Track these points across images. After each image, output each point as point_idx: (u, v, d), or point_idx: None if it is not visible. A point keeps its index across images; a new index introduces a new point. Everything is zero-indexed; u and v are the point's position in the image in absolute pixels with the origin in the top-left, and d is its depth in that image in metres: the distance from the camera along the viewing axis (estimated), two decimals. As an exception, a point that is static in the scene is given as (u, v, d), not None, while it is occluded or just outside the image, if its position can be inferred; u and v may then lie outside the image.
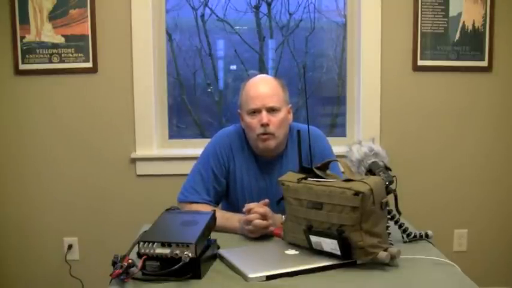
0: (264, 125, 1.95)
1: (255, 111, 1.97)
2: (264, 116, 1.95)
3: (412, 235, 1.74)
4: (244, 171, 2.07)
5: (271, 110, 1.96)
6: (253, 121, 1.97)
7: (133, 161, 3.04)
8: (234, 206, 2.09)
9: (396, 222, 1.73)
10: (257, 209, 1.81)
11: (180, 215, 1.67)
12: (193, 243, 1.41)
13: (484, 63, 3.04)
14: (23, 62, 2.94)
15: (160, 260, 1.42)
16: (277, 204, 1.81)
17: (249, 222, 1.79)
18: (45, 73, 2.96)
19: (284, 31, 3.23)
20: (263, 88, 2.00)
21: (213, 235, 1.63)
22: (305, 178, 1.65)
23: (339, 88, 3.27)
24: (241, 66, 3.22)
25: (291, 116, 2.07)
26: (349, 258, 1.52)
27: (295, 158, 1.86)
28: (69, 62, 2.96)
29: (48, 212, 3.05)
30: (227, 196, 2.12)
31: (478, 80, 3.08)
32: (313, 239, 1.56)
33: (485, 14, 3.00)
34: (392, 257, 1.50)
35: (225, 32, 3.21)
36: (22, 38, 2.92)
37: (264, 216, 1.80)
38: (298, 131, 1.75)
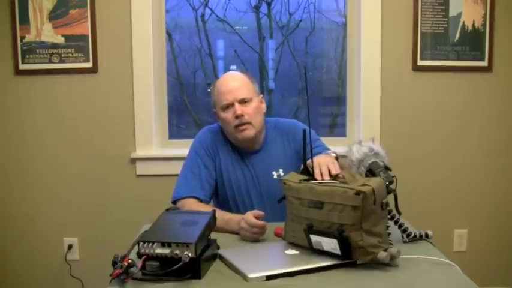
0: (239, 116, 2.01)
1: (228, 106, 2.03)
2: (238, 108, 2.01)
3: (412, 235, 1.74)
4: (229, 164, 2.11)
5: (243, 102, 2.03)
6: (228, 115, 2.03)
7: (134, 161, 3.04)
8: (224, 201, 2.13)
9: (396, 222, 1.73)
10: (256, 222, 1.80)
11: (180, 215, 1.67)
12: (193, 243, 1.41)
13: (484, 63, 3.04)
14: (23, 62, 2.94)
15: (160, 260, 1.42)
16: (279, 203, 1.81)
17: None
18: (45, 73, 2.96)
19: (284, 31, 3.23)
20: (232, 83, 2.07)
21: (213, 235, 1.63)
22: (307, 180, 1.66)
23: (339, 88, 3.27)
24: (241, 66, 3.22)
25: (264, 106, 2.14)
26: (349, 257, 1.52)
27: (278, 148, 2.09)
28: (69, 62, 2.96)
29: (48, 212, 3.05)
30: (215, 192, 2.15)
31: (478, 80, 3.08)
32: (314, 238, 1.56)
33: (485, 14, 3.00)
34: (392, 257, 1.50)
35: (225, 32, 3.21)
36: (22, 38, 2.93)
37: (262, 228, 1.80)
38: (304, 130, 1.76)
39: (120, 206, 3.05)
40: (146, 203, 2.93)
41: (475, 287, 1.41)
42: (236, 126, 2.03)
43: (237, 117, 2.01)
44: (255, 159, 2.12)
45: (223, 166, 2.11)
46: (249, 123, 2.02)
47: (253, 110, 2.04)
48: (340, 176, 1.64)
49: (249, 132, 2.04)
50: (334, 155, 1.88)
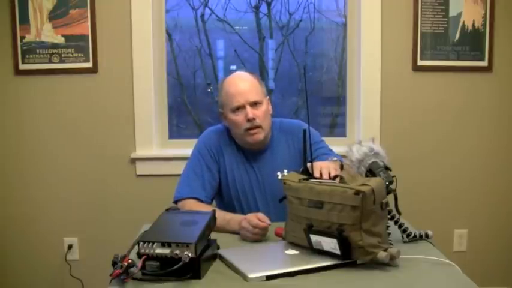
0: (251, 120, 2.00)
1: (239, 108, 2.02)
2: (249, 111, 2.00)
3: (412, 235, 1.74)
4: (234, 165, 2.11)
5: (254, 104, 2.03)
6: (238, 117, 2.03)
7: (133, 161, 3.04)
8: (229, 202, 2.12)
9: (396, 222, 1.73)
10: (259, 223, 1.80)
11: (180, 215, 1.67)
12: (193, 243, 1.41)
13: (484, 63, 3.04)
14: (23, 62, 2.94)
15: (160, 260, 1.42)
16: (280, 203, 1.81)
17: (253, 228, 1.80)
18: (45, 73, 2.96)
19: (284, 31, 3.23)
20: (243, 85, 2.05)
21: (213, 235, 1.63)
22: (306, 179, 1.66)
23: (339, 88, 3.27)
24: (241, 66, 3.22)
25: (270, 107, 2.14)
26: (348, 257, 1.52)
27: (282, 148, 2.09)
28: (69, 62, 2.96)
29: (48, 212, 3.05)
30: (220, 193, 2.15)
31: (478, 80, 3.08)
32: (313, 238, 1.57)
33: (485, 14, 3.01)
34: (392, 257, 1.50)
35: (225, 32, 3.21)
36: (22, 38, 2.93)
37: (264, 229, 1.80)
38: (304, 130, 1.76)
39: (120, 206, 3.05)
40: (146, 203, 2.93)
41: (475, 287, 1.41)
42: (247, 129, 2.02)
43: (248, 120, 2.00)
44: (260, 160, 2.11)
45: (227, 167, 2.11)
46: (259, 126, 2.02)
47: (264, 113, 2.04)
48: (338, 179, 1.64)
49: (260, 135, 2.04)
50: (339, 162, 1.87)
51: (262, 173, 2.10)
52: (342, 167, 1.81)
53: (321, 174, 1.70)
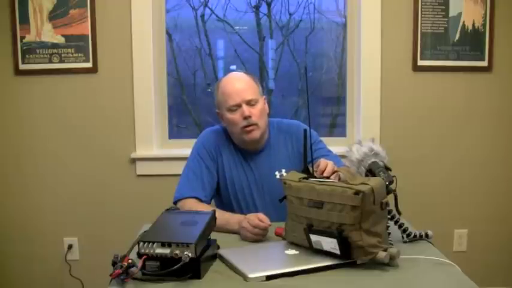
0: (247, 118, 2.01)
1: (235, 107, 2.04)
2: (245, 109, 2.02)
3: (412, 235, 1.74)
4: (232, 165, 2.11)
5: (250, 103, 2.04)
6: (235, 116, 2.04)
7: (133, 161, 3.04)
8: (227, 202, 2.13)
9: (396, 222, 1.73)
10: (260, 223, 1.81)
11: (180, 215, 1.67)
12: (193, 243, 1.41)
13: (484, 63, 3.04)
14: (23, 62, 2.94)
15: (160, 260, 1.42)
16: (280, 203, 1.81)
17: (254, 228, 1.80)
18: (45, 73, 2.96)
19: (284, 31, 3.23)
20: (238, 84, 2.07)
21: (213, 235, 1.63)
22: (306, 178, 1.66)
23: (339, 88, 3.27)
24: (241, 66, 3.22)
25: (267, 107, 2.15)
26: (348, 257, 1.52)
27: (281, 148, 2.10)
28: (69, 62, 2.96)
29: (48, 212, 3.05)
30: (218, 193, 2.15)
31: (478, 80, 3.08)
32: (313, 238, 1.57)
33: (485, 14, 3.01)
34: (392, 258, 1.50)
35: (225, 32, 3.21)
36: (22, 38, 2.93)
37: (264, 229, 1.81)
38: (305, 130, 1.77)
39: (120, 206, 3.05)
40: (146, 203, 2.93)
41: (475, 287, 1.41)
42: (243, 127, 2.03)
43: (245, 118, 2.01)
44: (258, 160, 2.12)
45: (226, 167, 2.11)
46: (255, 124, 2.03)
47: (260, 112, 2.05)
48: (336, 175, 1.64)
49: (256, 133, 2.04)
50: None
51: (260, 173, 2.10)
52: None
53: (323, 172, 1.71)
